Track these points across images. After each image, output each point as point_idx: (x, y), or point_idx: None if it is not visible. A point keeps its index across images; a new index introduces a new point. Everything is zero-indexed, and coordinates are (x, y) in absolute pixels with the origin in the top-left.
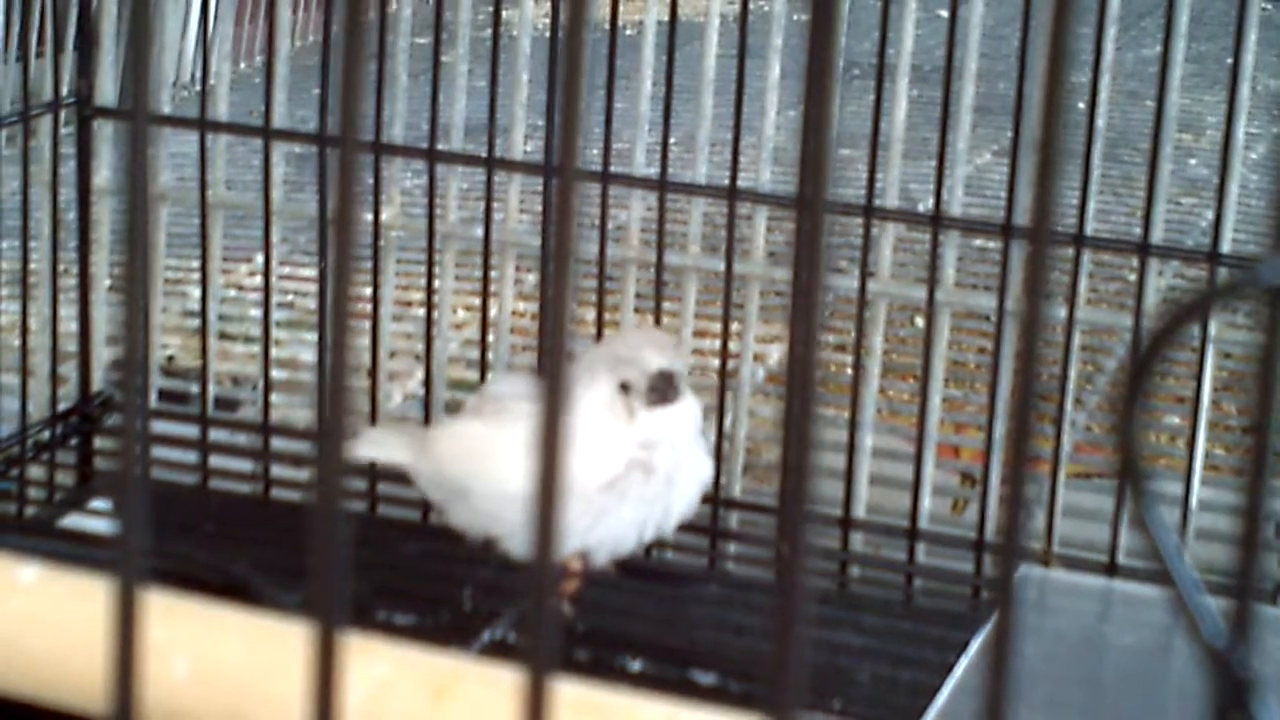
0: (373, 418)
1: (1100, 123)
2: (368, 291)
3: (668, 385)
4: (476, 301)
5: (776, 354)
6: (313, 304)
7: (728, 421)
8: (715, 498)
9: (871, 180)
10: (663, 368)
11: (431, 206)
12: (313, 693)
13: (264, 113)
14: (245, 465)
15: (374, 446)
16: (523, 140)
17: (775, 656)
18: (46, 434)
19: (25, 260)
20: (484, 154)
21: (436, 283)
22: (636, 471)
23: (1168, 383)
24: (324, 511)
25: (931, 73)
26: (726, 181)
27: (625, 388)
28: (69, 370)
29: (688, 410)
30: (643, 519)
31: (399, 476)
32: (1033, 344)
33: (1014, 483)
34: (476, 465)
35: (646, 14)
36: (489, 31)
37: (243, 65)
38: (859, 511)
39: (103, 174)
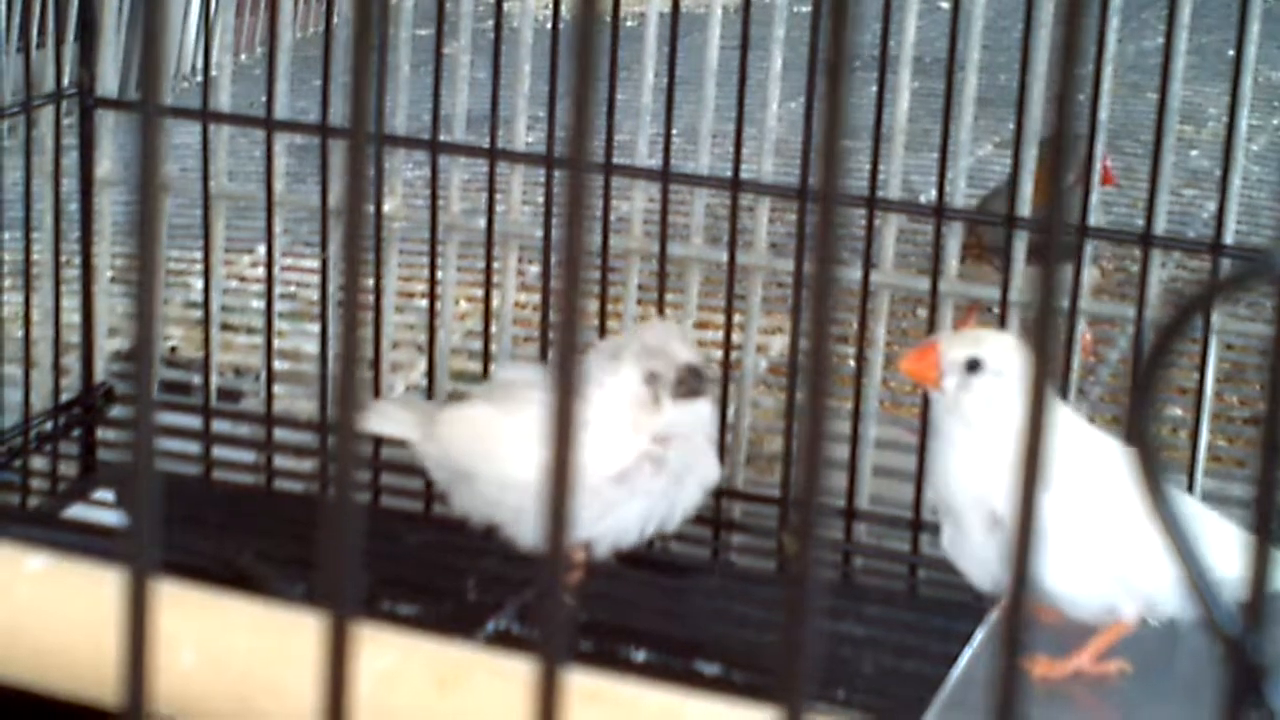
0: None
1: (1102, 115)
2: (370, 282)
3: (696, 379)
4: (479, 292)
5: (779, 345)
6: (315, 295)
7: (730, 412)
8: (718, 489)
9: (874, 172)
10: (691, 362)
11: (434, 197)
12: (324, 683)
13: (266, 104)
14: (248, 456)
15: (383, 420)
16: (525, 131)
17: (784, 649)
18: (49, 425)
19: (28, 251)
20: (486, 145)
21: (439, 274)
22: (647, 465)
23: (1170, 374)
24: (337, 503)
25: (933, 64)
26: (729, 173)
27: (653, 378)
28: (71, 361)
29: (705, 408)
30: (647, 513)
31: (403, 467)
32: (1047, 336)
33: (1027, 476)
34: (482, 450)
35: (649, 5)
36: (491, 23)
37: (244, 56)
38: (862, 502)
39: (104, 164)
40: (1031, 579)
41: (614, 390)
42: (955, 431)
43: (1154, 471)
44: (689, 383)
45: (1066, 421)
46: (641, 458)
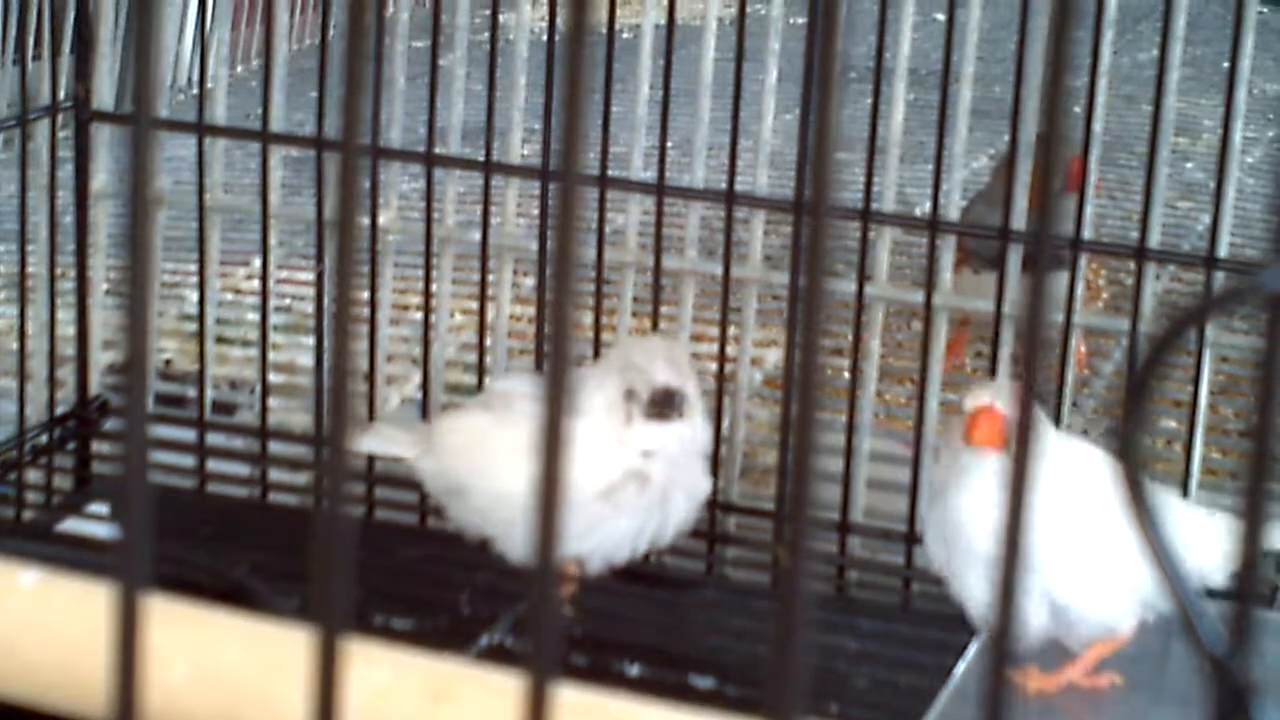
0: (370, 421)
1: (1097, 127)
2: (365, 295)
3: (667, 403)
4: (474, 305)
5: (773, 358)
6: (310, 307)
7: (724, 425)
8: (713, 502)
9: (869, 184)
10: (668, 385)
11: (429, 210)
12: (314, 698)
13: (261, 116)
14: (243, 469)
15: (381, 441)
16: (520, 144)
17: (776, 662)
18: (44, 438)
19: (23, 264)
20: (481, 158)
21: (434, 286)
22: (633, 482)
23: (1165, 387)
24: (329, 516)
25: (928, 76)
26: (724, 185)
27: (630, 394)
28: (66, 374)
29: (690, 429)
30: (638, 530)
31: (397, 481)
32: (1035, 350)
33: (1015, 491)
34: (477, 462)
35: (644, 17)
36: (486, 35)
37: (240, 68)
38: (857, 515)
39: (100, 177)
40: (1017, 599)
41: (596, 404)
42: (989, 482)
43: (1140, 491)
44: (659, 405)
45: (1067, 443)
46: (627, 475)
